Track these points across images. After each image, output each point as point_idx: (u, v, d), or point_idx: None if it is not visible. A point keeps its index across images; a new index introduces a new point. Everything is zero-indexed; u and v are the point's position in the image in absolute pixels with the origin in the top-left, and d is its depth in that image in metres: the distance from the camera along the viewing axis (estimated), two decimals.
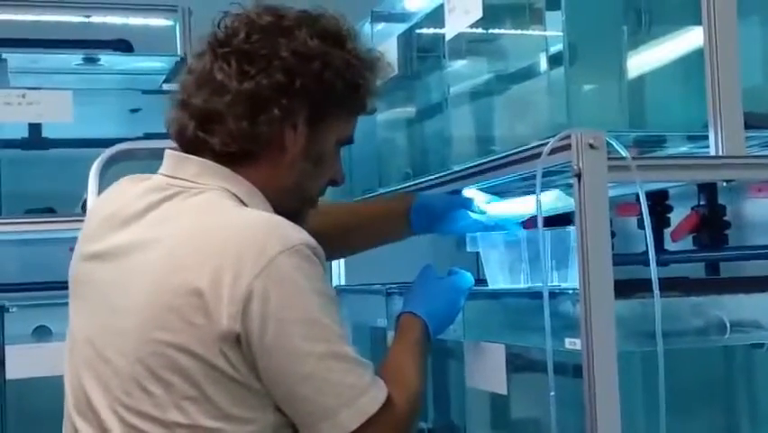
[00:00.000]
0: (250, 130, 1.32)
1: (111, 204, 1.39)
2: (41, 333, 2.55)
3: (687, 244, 2.09)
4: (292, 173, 1.38)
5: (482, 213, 1.69)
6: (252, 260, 1.21)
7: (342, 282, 2.54)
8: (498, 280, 1.70)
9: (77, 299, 1.38)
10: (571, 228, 1.51)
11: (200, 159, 1.34)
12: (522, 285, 1.65)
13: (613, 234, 2.13)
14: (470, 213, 1.69)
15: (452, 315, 1.58)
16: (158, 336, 1.23)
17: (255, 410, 1.25)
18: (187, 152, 1.36)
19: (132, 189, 1.38)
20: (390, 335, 1.67)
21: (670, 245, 2.11)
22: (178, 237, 1.27)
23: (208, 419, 1.23)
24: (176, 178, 1.34)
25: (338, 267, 2.53)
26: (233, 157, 1.34)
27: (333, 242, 1.50)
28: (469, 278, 1.63)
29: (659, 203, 2.09)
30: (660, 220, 2.10)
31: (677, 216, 2.09)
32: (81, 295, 1.37)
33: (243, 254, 1.21)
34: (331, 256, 1.73)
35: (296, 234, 1.26)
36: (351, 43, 1.38)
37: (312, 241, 1.27)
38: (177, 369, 1.22)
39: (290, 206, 1.39)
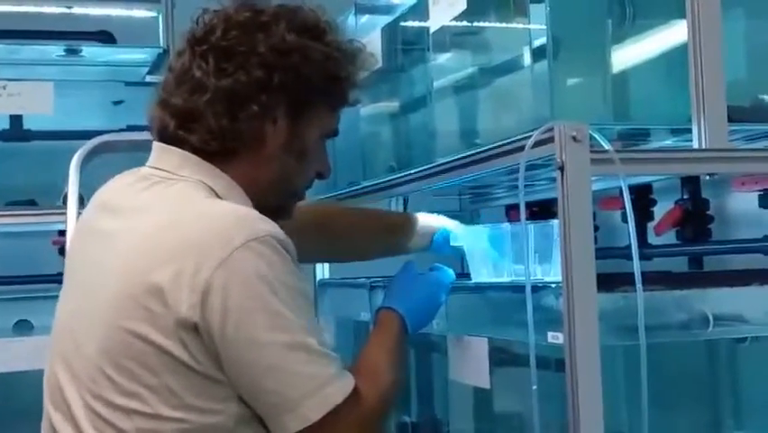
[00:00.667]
0: (229, 127, 1.33)
1: (105, 193, 1.42)
2: (22, 327, 2.54)
3: (670, 237, 2.09)
4: (274, 168, 1.38)
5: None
6: (214, 251, 1.21)
7: (326, 276, 2.52)
8: (481, 274, 1.70)
9: (66, 284, 1.40)
10: (555, 222, 1.51)
11: (183, 151, 1.35)
12: (505, 279, 1.65)
13: (597, 228, 2.15)
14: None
15: (431, 311, 1.58)
16: (121, 324, 1.23)
17: (217, 402, 1.24)
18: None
19: (124, 180, 1.40)
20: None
21: (653, 239, 2.11)
22: (147, 227, 1.28)
23: (168, 408, 1.22)
24: (158, 168, 1.36)
25: None
26: (215, 154, 1.34)
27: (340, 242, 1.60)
28: (450, 274, 1.63)
29: (643, 197, 2.08)
30: (643, 214, 2.09)
31: (661, 210, 2.09)
32: (69, 280, 1.40)
33: (206, 244, 1.22)
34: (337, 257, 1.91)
35: (263, 225, 1.26)
36: (330, 36, 1.38)
37: (280, 233, 1.26)
38: (138, 358, 1.22)
39: (275, 200, 1.40)
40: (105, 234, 1.33)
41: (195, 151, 1.34)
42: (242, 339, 1.22)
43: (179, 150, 1.35)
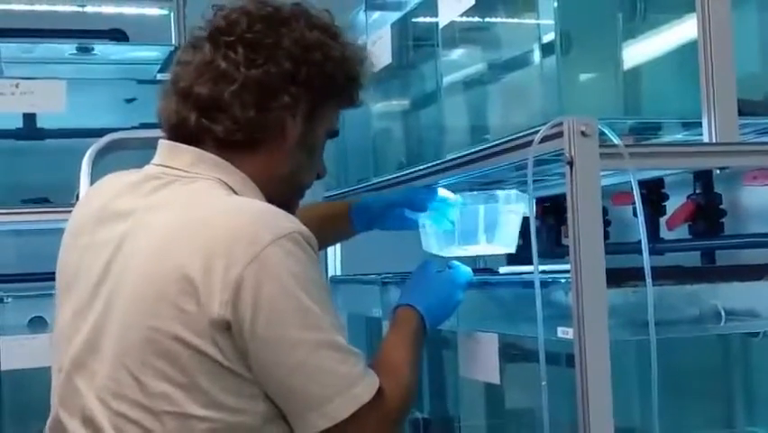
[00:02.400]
0: (255, 117, 1.33)
1: (100, 197, 1.39)
2: (37, 324, 2.55)
3: (683, 232, 2.08)
4: (289, 162, 1.39)
5: (420, 210, 1.77)
6: (244, 247, 1.21)
7: (338, 272, 2.53)
8: (431, 245, 1.77)
9: (65, 292, 1.38)
10: (499, 193, 1.67)
11: (194, 148, 1.35)
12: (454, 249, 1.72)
13: (609, 223, 2.15)
14: (406, 211, 1.77)
15: (449, 309, 1.58)
16: (149, 323, 1.23)
17: (245, 400, 1.24)
18: (187, 142, 1.36)
19: (121, 182, 1.38)
20: (386, 325, 1.67)
21: (666, 234, 2.10)
22: (169, 225, 1.27)
23: (197, 407, 1.22)
24: (169, 167, 1.35)
25: (333, 257, 2.53)
26: (234, 145, 1.34)
27: None
28: (467, 272, 1.63)
29: (654, 191, 2.07)
30: (655, 209, 2.08)
31: (673, 205, 2.08)
32: (70, 288, 1.36)
33: (235, 242, 1.21)
34: None
35: (288, 222, 1.26)
36: (342, 36, 1.41)
37: (305, 229, 1.27)
38: (167, 356, 1.22)
39: (284, 195, 1.40)
40: (111, 240, 1.31)
41: (216, 143, 1.34)
42: (272, 337, 1.22)
43: (189, 147, 1.35)
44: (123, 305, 1.26)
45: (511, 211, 1.70)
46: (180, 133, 1.36)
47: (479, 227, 1.70)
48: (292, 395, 1.25)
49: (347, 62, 1.40)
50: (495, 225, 1.69)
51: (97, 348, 1.28)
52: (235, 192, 1.33)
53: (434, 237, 1.77)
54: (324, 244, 1.73)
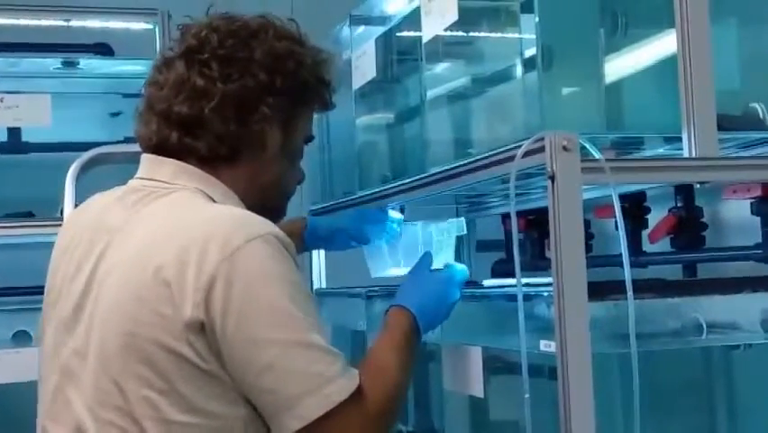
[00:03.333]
0: (237, 131, 1.36)
1: (88, 213, 1.41)
2: (21, 338, 2.55)
3: (665, 245, 2.09)
4: (274, 170, 1.42)
5: (362, 242, 1.88)
6: (217, 249, 1.23)
7: (323, 285, 2.53)
8: (377, 269, 1.88)
9: (52, 307, 1.39)
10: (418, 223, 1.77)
11: (175, 160, 1.37)
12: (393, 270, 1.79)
13: (592, 236, 2.16)
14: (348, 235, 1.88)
15: (444, 308, 1.55)
16: (130, 329, 1.24)
17: (226, 405, 1.25)
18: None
19: (108, 198, 1.41)
20: (371, 337, 1.68)
21: (648, 247, 2.12)
22: (148, 234, 1.29)
23: (178, 412, 1.23)
24: (152, 179, 1.37)
25: (318, 270, 2.53)
26: (216, 159, 1.36)
27: None
28: (463, 270, 1.61)
29: (636, 205, 2.09)
30: (637, 222, 2.10)
31: (655, 218, 2.10)
32: (57, 302, 1.38)
33: (208, 244, 1.23)
34: None
35: (263, 225, 1.28)
36: (309, 43, 1.44)
37: (280, 233, 1.29)
38: (148, 361, 1.23)
39: (271, 202, 1.43)
40: (95, 253, 1.33)
41: (200, 158, 1.36)
42: (242, 336, 1.23)
43: (171, 159, 1.36)
44: (105, 313, 1.27)
45: (445, 232, 1.75)
46: (162, 153, 1.38)
47: (418, 248, 1.76)
48: (265, 396, 1.25)
49: (318, 66, 1.44)
50: (431, 246, 1.73)
51: (84, 358, 1.29)
52: (215, 202, 1.35)
53: (372, 259, 1.88)
54: None
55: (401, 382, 1.37)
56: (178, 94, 1.35)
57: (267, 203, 1.41)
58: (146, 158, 1.40)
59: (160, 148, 1.38)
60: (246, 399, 1.26)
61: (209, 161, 1.37)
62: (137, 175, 1.41)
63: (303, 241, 1.86)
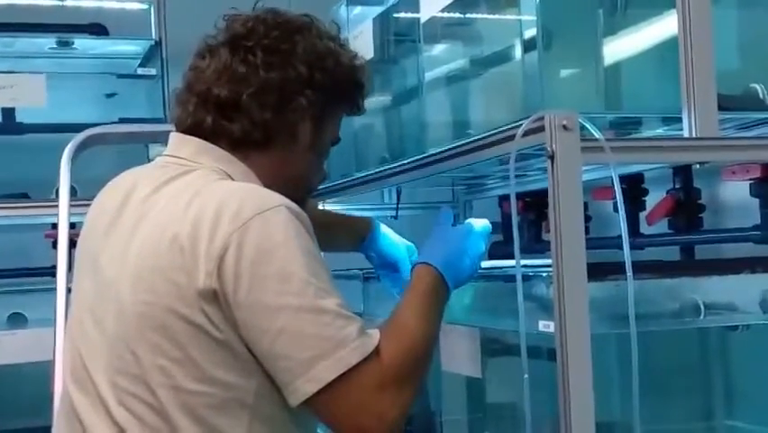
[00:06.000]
0: (273, 118, 1.39)
1: (117, 190, 1.43)
2: (16, 320, 2.55)
3: (662, 227, 2.09)
4: (300, 163, 1.45)
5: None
6: (229, 220, 1.25)
7: None
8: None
9: (81, 277, 1.42)
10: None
11: (199, 140, 1.40)
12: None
13: (590, 218, 2.16)
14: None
15: (469, 261, 1.51)
16: (145, 298, 1.27)
17: (238, 375, 1.26)
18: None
19: (137, 174, 1.44)
20: (368, 318, 1.67)
21: (645, 229, 2.11)
22: (166, 208, 1.32)
23: (191, 381, 1.25)
24: (175, 156, 1.41)
25: None
26: (247, 144, 1.40)
27: None
28: (486, 225, 1.58)
29: (634, 186, 2.08)
30: (635, 204, 2.09)
31: (652, 200, 2.09)
32: (86, 271, 1.41)
33: (221, 216, 1.26)
34: None
35: (275, 198, 1.30)
36: (348, 47, 1.49)
37: (293, 204, 1.30)
38: (163, 330, 1.25)
39: (294, 195, 1.42)
40: (125, 226, 1.36)
41: (232, 141, 1.39)
42: (254, 303, 1.24)
43: (197, 139, 1.40)
44: (123, 283, 1.30)
45: None
46: (196, 135, 1.41)
47: None
48: (279, 362, 1.25)
49: (355, 70, 1.48)
50: None
51: (103, 326, 1.32)
52: (233, 180, 1.38)
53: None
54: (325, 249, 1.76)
55: (423, 338, 1.35)
56: (219, 78, 1.39)
57: (289, 195, 1.40)
58: (173, 135, 1.44)
59: (195, 129, 1.41)
60: (259, 371, 1.27)
61: (240, 146, 1.40)
62: (164, 152, 1.44)
63: (360, 243, 1.78)
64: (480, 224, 1.57)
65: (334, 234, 1.76)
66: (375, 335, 1.29)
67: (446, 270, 1.45)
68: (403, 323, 1.35)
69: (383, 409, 1.26)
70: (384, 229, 1.78)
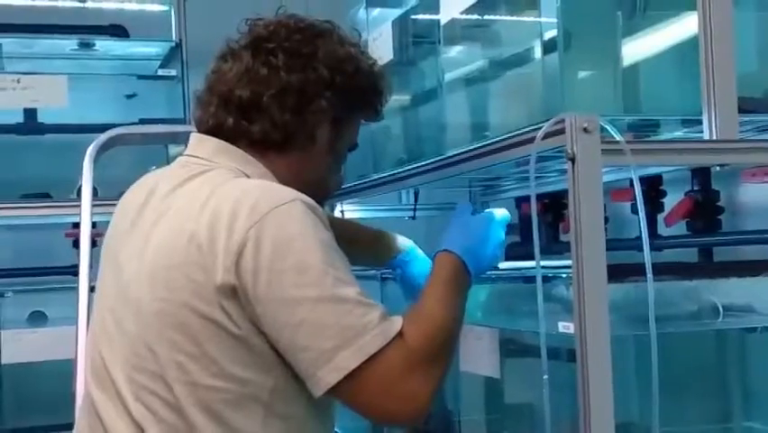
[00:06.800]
0: (292, 120, 1.40)
1: (140, 190, 1.45)
2: (36, 318, 2.57)
3: (681, 229, 2.09)
4: (318, 166, 1.46)
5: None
6: (246, 216, 1.26)
7: None
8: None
9: (104, 275, 1.44)
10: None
11: (218, 140, 1.42)
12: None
13: (607, 220, 2.15)
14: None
15: (490, 249, 1.51)
16: (162, 295, 1.28)
17: (255, 372, 1.27)
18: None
19: (159, 175, 1.46)
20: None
21: (664, 230, 2.11)
22: (184, 206, 1.33)
23: (208, 376, 1.26)
24: (194, 156, 1.43)
25: None
26: (266, 146, 1.41)
27: None
28: (505, 213, 1.59)
29: (653, 188, 2.08)
30: (654, 205, 2.09)
31: (671, 202, 2.09)
32: (108, 270, 1.43)
33: (238, 212, 1.27)
34: None
35: (290, 193, 1.31)
36: (368, 54, 1.50)
37: (308, 198, 1.31)
38: (180, 326, 1.26)
39: (312, 198, 1.42)
40: (145, 225, 1.37)
41: (252, 142, 1.41)
42: (273, 296, 1.24)
43: (215, 139, 1.42)
44: (142, 281, 1.32)
45: None
46: (216, 136, 1.43)
47: None
48: (301, 354, 1.25)
49: (374, 76, 1.49)
50: None
51: (120, 323, 1.34)
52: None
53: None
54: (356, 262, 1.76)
55: (446, 323, 1.35)
56: (241, 80, 1.41)
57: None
58: (193, 135, 1.46)
59: (216, 130, 1.43)
60: (276, 368, 1.28)
61: (260, 146, 1.41)
62: (184, 152, 1.46)
63: (390, 262, 1.76)
64: (500, 213, 1.57)
65: (365, 252, 1.75)
66: (398, 320, 1.29)
67: (468, 257, 1.45)
68: (426, 309, 1.35)
69: (410, 393, 1.26)
70: (419, 253, 1.75)
